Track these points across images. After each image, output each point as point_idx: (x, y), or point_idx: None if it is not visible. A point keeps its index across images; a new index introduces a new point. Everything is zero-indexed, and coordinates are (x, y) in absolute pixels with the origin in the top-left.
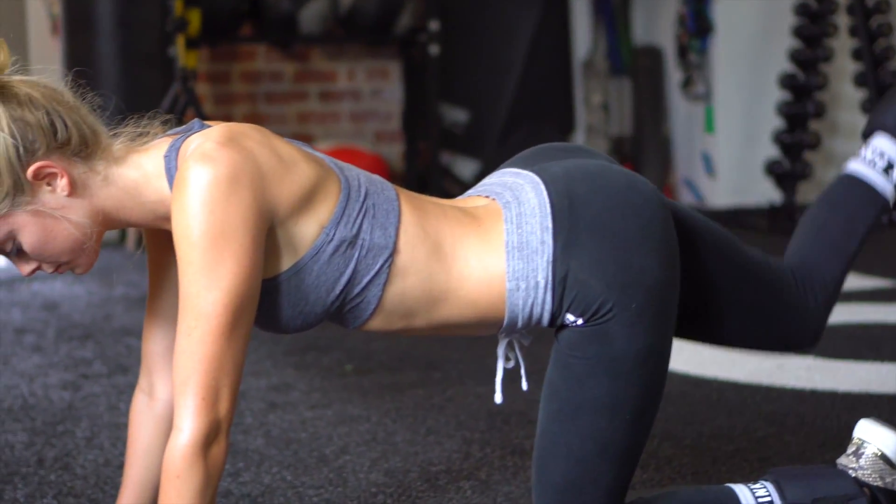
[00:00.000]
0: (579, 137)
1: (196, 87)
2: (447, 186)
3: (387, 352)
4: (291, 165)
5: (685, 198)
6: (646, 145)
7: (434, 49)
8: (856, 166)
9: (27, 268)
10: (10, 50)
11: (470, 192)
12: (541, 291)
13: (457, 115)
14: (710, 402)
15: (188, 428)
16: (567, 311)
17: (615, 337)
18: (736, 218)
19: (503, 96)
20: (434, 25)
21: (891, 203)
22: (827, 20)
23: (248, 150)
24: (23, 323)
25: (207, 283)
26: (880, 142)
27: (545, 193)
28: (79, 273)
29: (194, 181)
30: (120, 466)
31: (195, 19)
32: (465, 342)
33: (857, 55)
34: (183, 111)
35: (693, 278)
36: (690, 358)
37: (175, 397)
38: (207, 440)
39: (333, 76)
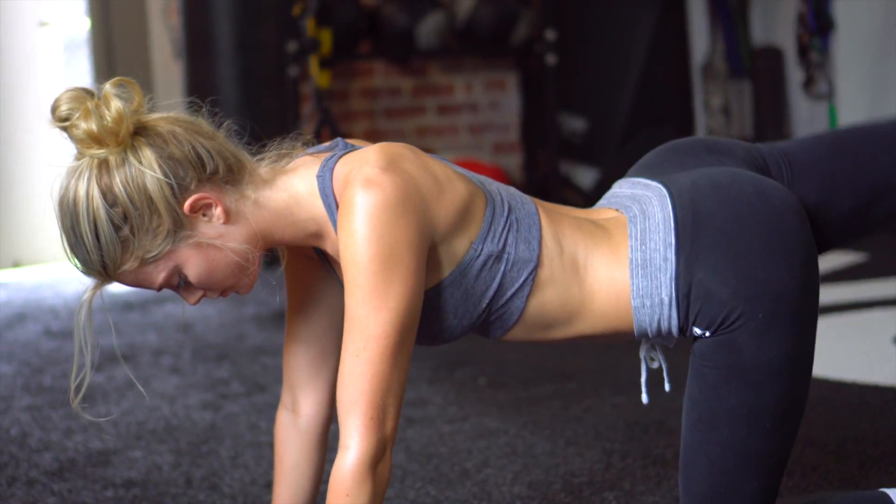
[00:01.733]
0: None
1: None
2: (567, 195)
3: (520, 364)
4: (446, 185)
5: None
6: None
7: (551, 58)
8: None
9: (193, 297)
10: (138, 81)
11: (600, 203)
12: (665, 308)
13: (575, 124)
14: (851, 407)
15: (357, 447)
16: (693, 324)
17: (744, 346)
18: None
19: (621, 103)
20: (550, 35)
21: None
22: None
23: (408, 172)
24: (159, 345)
25: (377, 304)
26: None
27: (670, 207)
28: (243, 293)
29: (362, 207)
30: (266, 485)
31: (326, 39)
32: (598, 351)
33: None
34: (318, 131)
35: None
36: (828, 362)
37: (342, 417)
38: (375, 459)
39: (451, 89)
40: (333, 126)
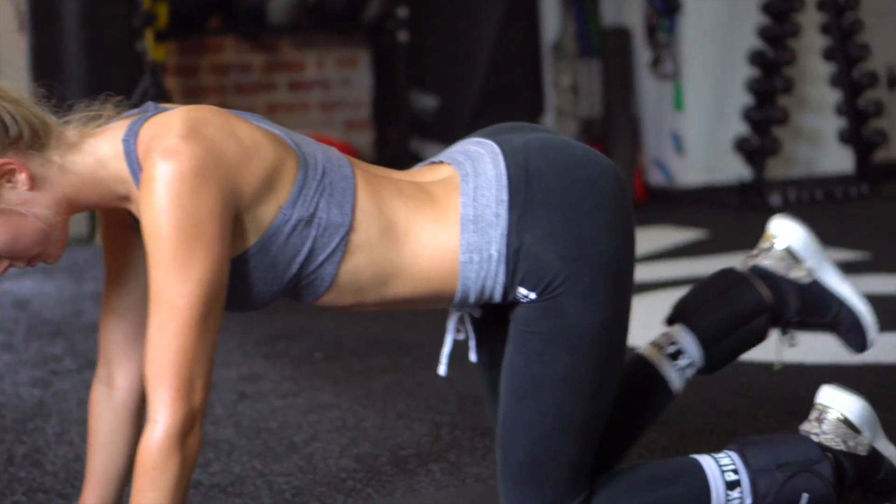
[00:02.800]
0: (549, 120)
1: (165, 81)
2: None
3: (357, 338)
4: (253, 150)
5: (655, 177)
6: (615, 126)
7: (402, 36)
8: (647, 350)
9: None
10: None
11: (433, 158)
12: (494, 264)
13: (426, 102)
14: None
15: (164, 420)
16: (520, 284)
17: (569, 311)
18: (706, 195)
19: (472, 81)
20: (402, 12)
21: (675, 391)
22: None
23: (210, 139)
24: None
25: (179, 276)
26: (675, 330)
27: (503, 165)
28: (51, 263)
29: (160, 178)
30: None
31: (163, 12)
32: (435, 325)
33: (825, 29)
34: None
35: None
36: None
37: (149, 390)
38: (183, 431)
39: (302, 66)
40: (167, 101)
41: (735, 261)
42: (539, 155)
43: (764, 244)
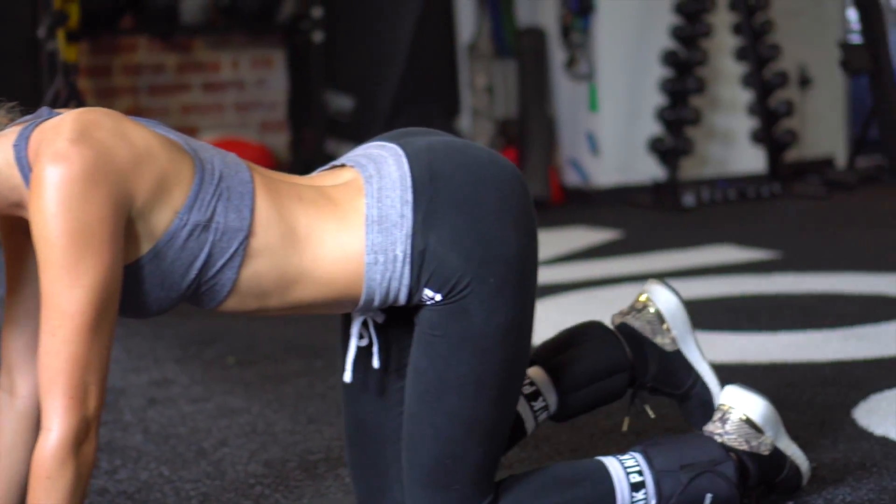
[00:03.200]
0: (465, 120)
1: (78, 82)
2: None
3: (270, 342)
4: (145, 154)
5: (571, 177)
6: (531, 127)
7: (317, 36)
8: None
9: None
10: None
11: (335, 161)
12: (399, 265)
13: (342, 102)
14: None
15: (58, 428)
16: (425, 286)
17: (475, 313)
18: (620, 195)
19: (388, 81)
20: (317, 12)
21: (528, 431)
22: None
23: (100, 143)
24: None
25: (70, 281)
26: (535, 372)
27: (407, 166)
28: None
29: (49, 182)
30: None
31: (74, 12)
32: None
33: (736, 30)
34: (65, 106)
35: None
36: None
37: (42, 398)
38: (78, 439)
39: (217, 66)
40: (80, 102)
41: (648, 262)
42: (442, 156)
43: (637, 304)
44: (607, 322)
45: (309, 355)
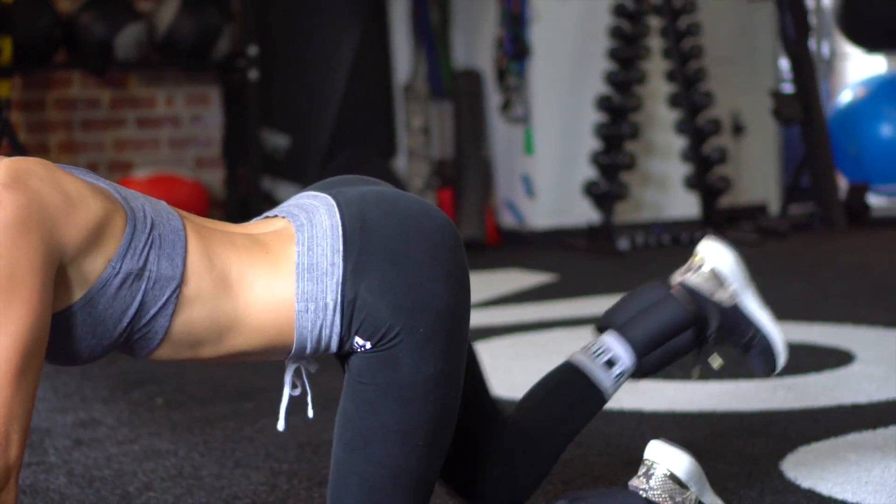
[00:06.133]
0: (401, 161)
1: (9, 116)
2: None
3: (199, 383)
4: (79, 202)
5: (507, 219)
6: (467, 168)
7: (253, 74)
8: (580, 357)
9: None
10: None
11: (267, 213)
12: (329, 313)
13: (278, 141)
14: None
15: None
16: (356, 334)
17: (403, 362)
18: (556, 238)
19: (324, 121)
20: (252, 50)
21: (607, 397)
22: (640, 43)
23: (33, 190)
24: None
25: None
26: (607, 338)
27: (338, 216)
28: None
29: None
30: None
31: (7, 47)
32: (278, 372)
33: (670, 77)
34: None
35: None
36: (499, 382)
37: None
38: None
39: (152, 102)
40: (13, 138)
41: (582, 306)
42: (374, 206)
43: (693, 263)
44: (665, 281)
45: (238, 398)
